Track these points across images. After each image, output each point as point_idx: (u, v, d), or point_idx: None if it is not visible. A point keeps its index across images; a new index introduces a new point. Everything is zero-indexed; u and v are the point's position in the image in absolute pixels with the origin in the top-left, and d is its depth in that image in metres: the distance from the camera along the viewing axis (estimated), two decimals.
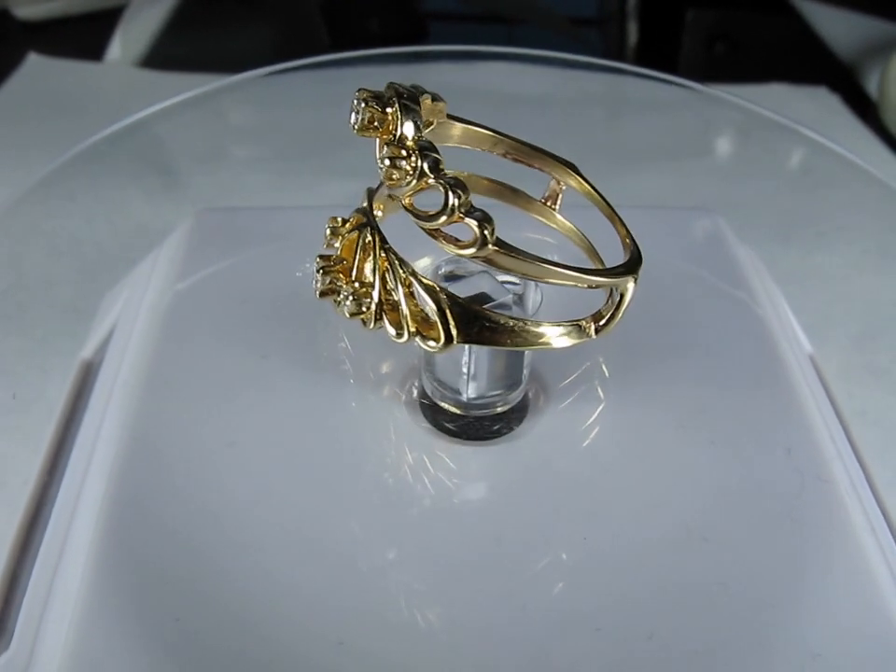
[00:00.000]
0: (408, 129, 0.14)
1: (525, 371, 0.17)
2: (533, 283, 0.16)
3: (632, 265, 0.16)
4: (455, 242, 0.14)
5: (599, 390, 0.18)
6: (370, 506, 0.15)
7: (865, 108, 0.47)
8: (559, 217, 0.19)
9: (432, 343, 0.15)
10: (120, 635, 0.14)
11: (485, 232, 0.13)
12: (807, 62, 0.53)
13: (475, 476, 0.16)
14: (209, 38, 0.54)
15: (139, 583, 0.14)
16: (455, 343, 0.15)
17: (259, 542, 0.15)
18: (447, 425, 0.17)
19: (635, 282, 0.16)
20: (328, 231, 0.16)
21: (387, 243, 0.15)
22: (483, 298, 0.16)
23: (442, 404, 0.17)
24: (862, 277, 0.33)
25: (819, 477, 0.16)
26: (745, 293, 0.20)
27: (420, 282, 0.15)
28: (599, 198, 0.17)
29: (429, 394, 0.17)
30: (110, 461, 0.16)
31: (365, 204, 0.16)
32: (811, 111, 0.45)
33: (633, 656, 0.14)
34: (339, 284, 0.16)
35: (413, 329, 0.15)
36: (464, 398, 0.17)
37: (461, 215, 0.13)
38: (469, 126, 0.17)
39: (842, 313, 0.32)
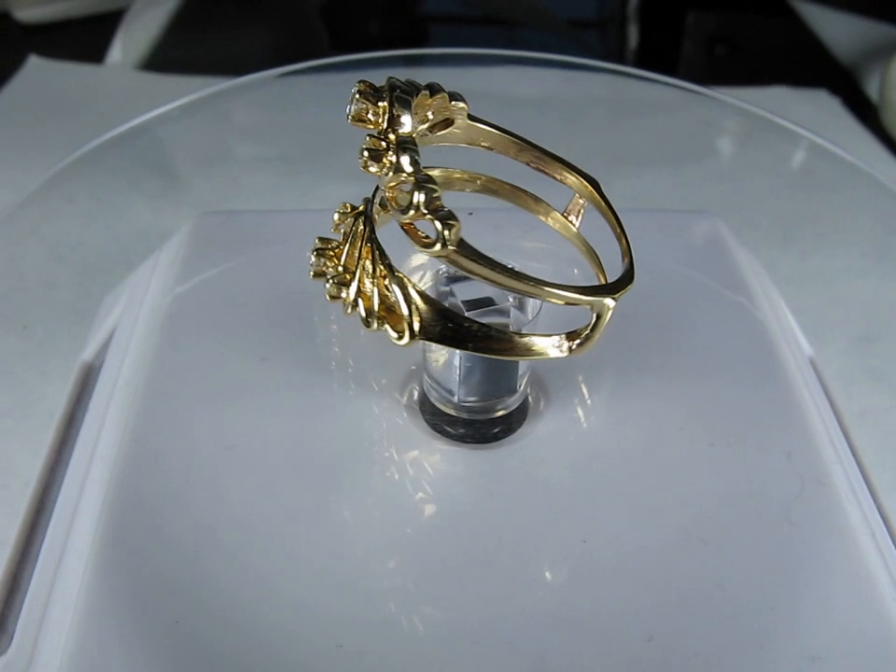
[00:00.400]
0: (404, 122, 0.14)
1: (523, 379, 0.17)
2: None
3: (615, 286, 0.15)
4: (422, 239, 0.14)
5: (599, 394, 0.18)
6: (369, 508, 0.16)
7: (866, 111, 0.47)
8: (574, 229, 0.18)
9: (396, 337, 0.15)
10: (120, 637, 0.14)
11: (446, 232, 0.13)
12: (808, 64, 0.53)
13: (475, 479, 0.16)
14: (210, 41, 0.54)
15: (139, 586, 0.14)
16: (416, 339, 0.15)
17: (259, 545, 0.15)
18: (447, 428, 0.17)
19: (615, 303, 0.15)
20: (335, 216, 0.17)
21: (375, 234, 0.15)
22: (485, 301, 0.16)
23: (440, 407, 0.17)
24: (862, 280, 0.33)
25: (818, 480, 0.16)
26: (744, 296, 0.20)
27: (394, 275, 0.15)
28: (612, 215, 0.17)
29: (429, 397, 0.17)
30: (110, 463, 0.16)
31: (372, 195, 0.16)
32: (811, 114, 0.46)
33: (632, 658, 0.14)
34: (329, 267, 0.16)
35: (381, 320, 0.15)
36: (456, 399, 0.17)
37: (424, 212, 0.13)
38: (494, 130, 0.17)
39: (842, 315, 0.32)
